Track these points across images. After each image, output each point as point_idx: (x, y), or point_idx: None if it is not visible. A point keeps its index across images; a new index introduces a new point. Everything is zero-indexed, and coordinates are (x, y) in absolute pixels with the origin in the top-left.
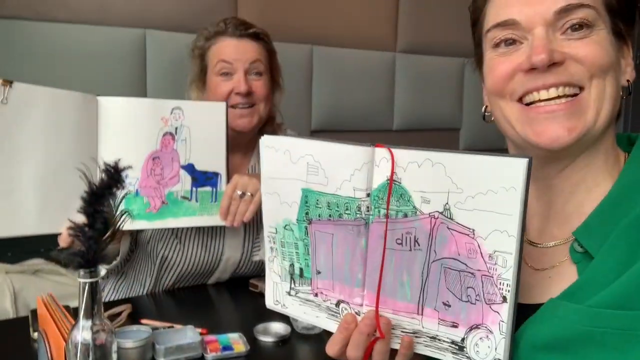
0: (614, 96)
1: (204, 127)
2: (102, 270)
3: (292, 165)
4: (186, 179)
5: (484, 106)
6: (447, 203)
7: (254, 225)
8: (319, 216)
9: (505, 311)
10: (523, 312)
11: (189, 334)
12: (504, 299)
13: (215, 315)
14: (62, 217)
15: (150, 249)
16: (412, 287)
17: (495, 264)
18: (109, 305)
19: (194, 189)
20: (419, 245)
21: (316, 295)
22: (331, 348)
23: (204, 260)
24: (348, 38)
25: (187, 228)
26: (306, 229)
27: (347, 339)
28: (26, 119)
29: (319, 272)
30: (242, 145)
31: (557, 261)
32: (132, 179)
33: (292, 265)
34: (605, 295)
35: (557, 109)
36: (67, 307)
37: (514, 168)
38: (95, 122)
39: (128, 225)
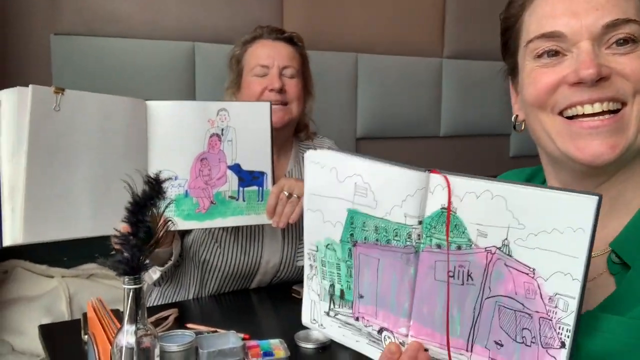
0: None
1: (249, 128)
2: (157, 272)
3: (339, 184)
4: (233, 178)
5: (514, 115)
6: (506, 239)
7: (295, 230)
8: (365, 239)
9: (562, 357)
10: None
11: (231, 339)
12: (563, 345)
13: (258, 320)
14: (115, 219)
15: (193, 253)
16: (462, 323)
17: (556, 307)
18: (157, 309)
19: (241, 188)
20: (472, 279)
21: (357, 319)
22: None
23: (244, 264)
24: (393, 45)
25: (227, 232)
26: (350, 250)
27: None
28: (79, 125)
29: (361, 296)
30: (276, 146)
31: (595, 273)
32: (182, 180)
33: (332, 285)
34: None
35: (600, 125)
36: (116, 311)
37: (583, 207)
38: (145, 126)
39: (179, 225)
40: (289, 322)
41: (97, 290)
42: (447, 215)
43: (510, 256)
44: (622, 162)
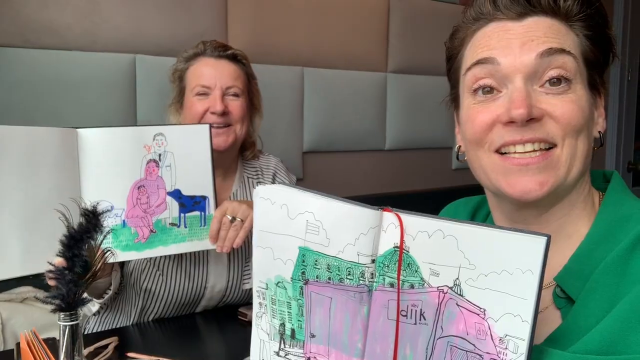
0: (585, 153)
1: (188, 151)
2: (95, 305)
3: (290, 221)
4: (173, 205)
5: (457, 146)
6: (457, 278)
7: (241, 253)
8: (317, 277)
9: None
10: None
11: None
12: None
13: (203, 346)
14: (49, 254)
15: (134, 281)
16: None
17: (506, 348)
18: (95, 337)
19: (182, 214)
20: (424, 319)
21: (309, 359)
22: None
23: (189, 290)
24: (339, 59)
25: (169, 258)
26: (301, 288)
27: None
28: (2, 161)
29: (313, 336)
30: (220, 167)
31: (542, 307)
32: (118, 210)
33: (282, 324)
34: (588, 341)
35: (530, 162)
36: (52, 341)
37: (532, 248)
38: (77, 156)
39: (118, 257)
40: (235, 347)
41: (32, 314)
42: (399, 254)
43: (462, 296)
44: (555, 198)
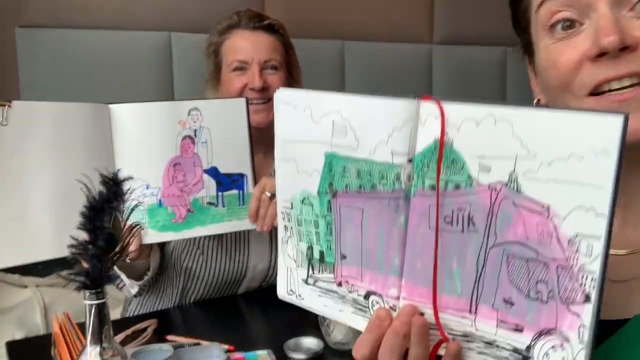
0: None
1: (224, 127)
2: (134, 287)
3: (314, 125)
4: (211, 183)
5: (536, 99)
6: (513, 171)
7: None
8: (346, 187)
9: (587, 314)
10: (600, 330)
11: (214, 352)
12: (587, 298)
13: (245, 329)
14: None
15: (174, 261)
16: (463, 279)
17: (577, 251)
18: (135, 320)
19: (219, 193)
20: (474, 225)
21: (340, 284)
22: (359, 351)
23: (230, 270)
24: (380, 31)
25: (210, 238)
26: (329, 203)
27: (379, 340)
28: (30, 139)
29: (344, 257)
30: (262, 144)
31: (637, 272)
32: (154, 189)
33: (310, 247)
34: None
35: (629, 97)
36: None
37: (608, 127)
38: (110, 133)
39: (154, 237)
40: (279, 330)
41: (75, 299)
42: (439, 148)
43: (519, 192)
44: None
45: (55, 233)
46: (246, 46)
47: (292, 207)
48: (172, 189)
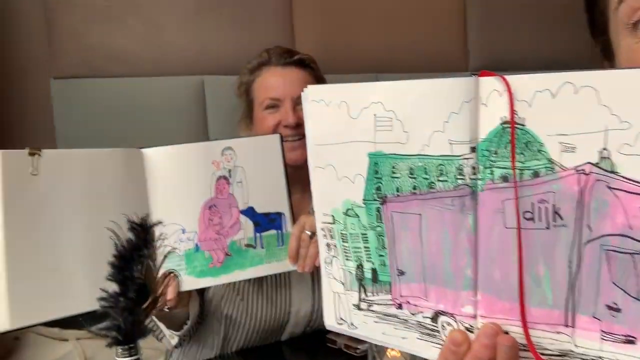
0: None
1: (259, 165)
2: (175, 338)
3: (352, 121)
4: (248, 224)
5: None
6: (604, 148)
7: None
8: (398, 190)
9: None
10: None
11: None
12: None
13: None
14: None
15: (214, 308)
16: (554, 286)
17: None
18: None
19: (257, 234)
20: (561, 219)
21: (400, 306)
22: None
23: (272, 316)
24: (414, 62)
25: (250, 283)
26: (379, 211)
27: None
28: (63, 187)
29: (402, 273)
30: (298, 182)
31: None
32: (190, 233)
33: (360, 266)
34: None
35: None
36: None
37: None
38: (144, 177)
39: (192, 283)
40: None
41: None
42: (511, 130)
43: (615, 173)
44: None
45: (91, 283)
46: (277, 83)
47: (333, 221)
48: (209, 232)
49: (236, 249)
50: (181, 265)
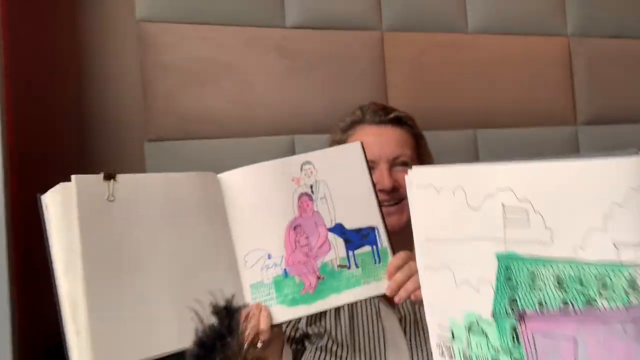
0: None
1: (342, 177)
2: None
3: (473, 213)
4: (338, 243)
5: None
6: None
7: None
8: (541, 305)
9: None
10: None
11: None
12: None
13: None
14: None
15: None
16: None
17: None
18: None
19: (350, 252)
20: None
21: None
22: None
23: None
24: (516, 115)
25: (341, 345)
26: (515, 331)
27: None
28: (141, 214)
29: None
30: (396, 250)
31: None
32: (277, 258)
33: None
34: None
35: None
36: None
37: None
38: (222, 203)
39: (285, 314)
40: None
41: None
42: None
43: None
44: None
45: (176, 320)
46: (372, 142)
47: (453, 337)
48: (297, 255)
49: (329, 271)
50: (271, 294)
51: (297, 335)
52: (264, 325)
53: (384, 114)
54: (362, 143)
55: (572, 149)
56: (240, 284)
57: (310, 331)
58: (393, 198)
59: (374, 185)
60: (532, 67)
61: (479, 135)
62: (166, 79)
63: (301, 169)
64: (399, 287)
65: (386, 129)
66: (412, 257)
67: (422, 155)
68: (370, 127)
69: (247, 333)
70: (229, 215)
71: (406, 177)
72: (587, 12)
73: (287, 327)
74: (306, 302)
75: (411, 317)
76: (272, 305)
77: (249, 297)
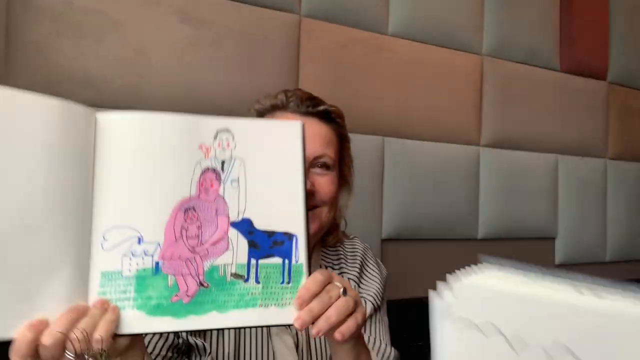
0: None
1: (267, 162)
2: None
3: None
4: (240, 244)
5: None
6: None
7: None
8: None
9: None
10: None
11: None
12: None
13: None
14: (19, 309)
15: None
16: None
17: None
18: None
19: (253, 260)
20: None
21: None
22: None
23: None
24: (424, 128)
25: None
26: None
27: None
28: None
29: None
30: None
31: None
32: (150, 244)
33: None
34: None
35: None
36: None
37: None
38: (91, 151)
39: (141, 324)
40: None
41: None
42: None
43: None
44: None
45: None
46: None
47: None
48: (179, 247)
49: (217, 279)
50: (128, 292)
51: (181, 344)
52: (103, 331)
53: (312, 105)
54: (303, 125)
55: (473, 170)
56: (87, 267)
57: (192, 342)
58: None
59: (306, 182)
60: (445, 81)
61: (386, 143)
62: (38, 25)
63: (215, 137)
64: (313, 319)
65: (311, 122)
66: (332, 278)
67: (344, 159)
68: (293, 116)
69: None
70: (96, 170)
71: (434, 311)
72: (503, 34)
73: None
74: (174, 314)
75: (309, 343)
76: (126, 308)
77: (94, 289)
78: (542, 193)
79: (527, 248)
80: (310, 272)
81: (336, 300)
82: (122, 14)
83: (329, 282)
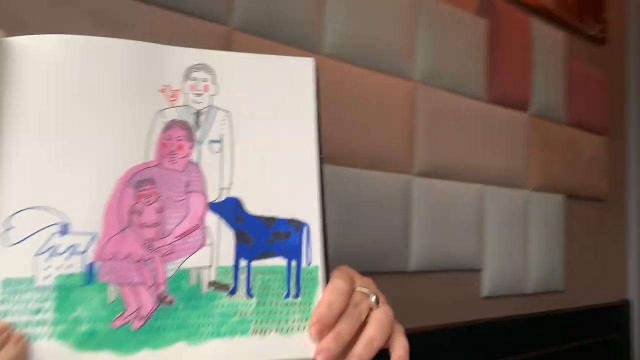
0: None
1: (264, 114)
2: None
3: None
4: (224, 236)
5: None
6: None
7: None
8: None
9: None
10: None
11: None
12: None
13: None
14: None
15: None
16: None
17: None
18: None
19: (243, 261)
20: None
21: None
22: None
23: None
24: (355, 155)
25: None
26: None
27: None
28: None
29: None
30: None
31: None
32: (80, 237)
33: None
34: None
35: None
36: None
37: None
38: None
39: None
40: None
41: None
42: None
43: None
44: None
45: None
46: None
47: None
48: (127, 241)
49: (187, 291)
50: (43, 311)
51: None
52: None
53: None
54: (315, 60)
55: (405, 199)
56: None
57: None
58: None
59: (321, 147)
60: (377, 106)
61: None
62: None
63: (186, 77)
64: (342, 347)
65: None
66: (354, 281)
67: None
68: None
69: None
70: (1, 118)
71: None
72: (434, 61)
73: None
74: (117, 348)
75: None
76: (40, 337)
77: None
78: (469, 224)
79: (456, 280)
80: (327, 279)
81: (368, 314)
82: (29, 13)
83: (352, 288)
